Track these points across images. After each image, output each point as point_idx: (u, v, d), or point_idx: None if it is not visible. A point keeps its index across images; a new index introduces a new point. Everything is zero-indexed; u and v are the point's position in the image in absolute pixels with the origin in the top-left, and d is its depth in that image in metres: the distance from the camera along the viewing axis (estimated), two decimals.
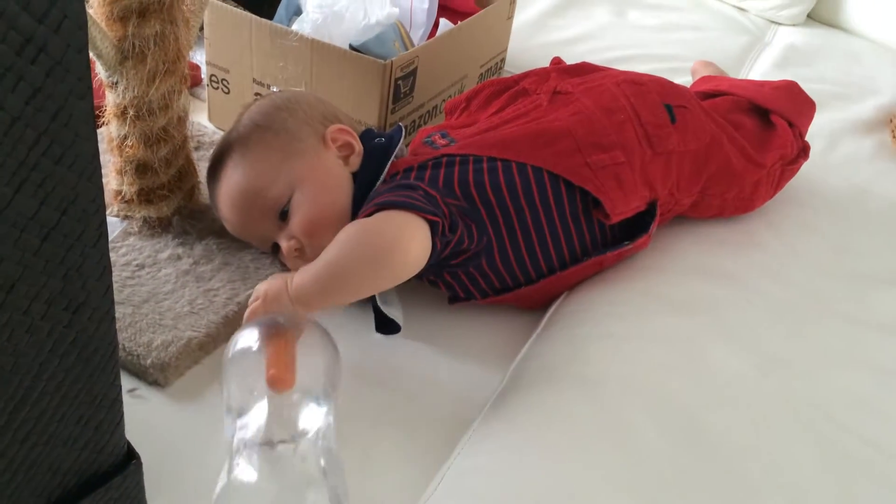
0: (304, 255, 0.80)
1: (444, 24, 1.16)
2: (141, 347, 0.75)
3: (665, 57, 1.46)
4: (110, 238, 0.75)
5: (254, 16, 1.01)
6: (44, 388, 0.47)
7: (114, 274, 0.76)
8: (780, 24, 1.75)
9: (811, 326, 0.86)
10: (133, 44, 0.77)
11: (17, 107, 0.37)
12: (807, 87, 1.11)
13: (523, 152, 0.83)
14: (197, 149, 1.01)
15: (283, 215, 0.80)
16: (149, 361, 0.75)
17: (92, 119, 0.41)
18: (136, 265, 0.85)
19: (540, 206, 0.82)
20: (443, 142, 0.90)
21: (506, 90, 0.98)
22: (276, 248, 0.83)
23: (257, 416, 0.61)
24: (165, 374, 0.75)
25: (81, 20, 0.38)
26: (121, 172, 0.87)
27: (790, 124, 1.04)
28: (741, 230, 1.00)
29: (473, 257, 0.81)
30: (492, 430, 0.71)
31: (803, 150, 1.05)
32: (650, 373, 0.75)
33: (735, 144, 0.96)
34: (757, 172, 0.98)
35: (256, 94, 1.05)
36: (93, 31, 0.74)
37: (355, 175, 0.83)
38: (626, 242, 0.87)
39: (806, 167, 1.07)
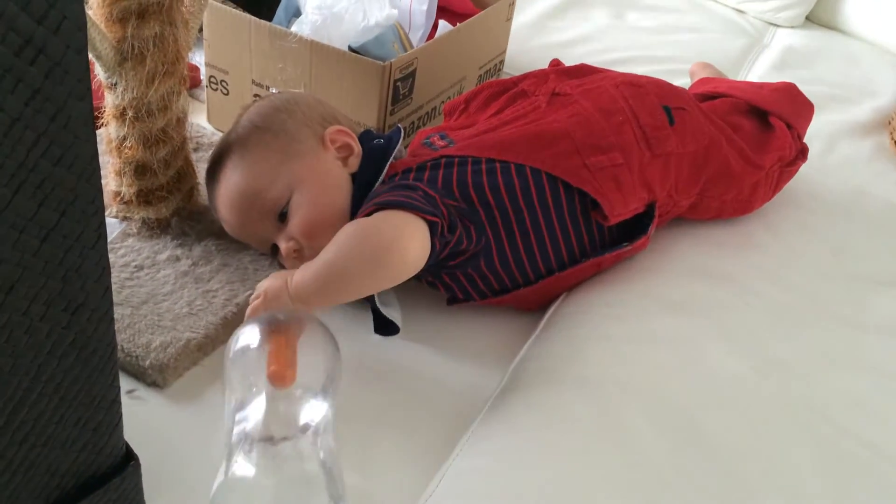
0: (303, 256, 0.80)
1: (443, 25, 1.16)
2: (140, 349, 0.75)
3: (663, 59, 1.46)
4: (109, 239, 0.75)
5: (253, 17, 1.01)
6: (42, 389, 0.47)
7: (112, 275, 0.76)
8: (778, 25, 1.75)
9: (809, 328, 0.87)
10: (132, 45, 0.77)
11: (16, 108, 0.37)
12: (805, 89, 1.11)
13: (522, 154, 0.83)
14: (196, 150, 1.01)
15: (282, 216, 0.80)
16: (147, 363, 0.75)
17: (91, 120, 0.41)
18: (135, 266, 0.85)
19: (538, 208, 0.82)
20: (442, 143, 0.90)
21: (505, 92, 0.98)
22: (275, 250, 0.83)
23: (257, 413, 0.61)
24: (164, 376, 0.75)
25: (81, 21, 0.38)
26: (120, 174, 0.87)
27: (789, 126, 1.04)
28: (740, 232, 1.00)
29: (472, 258, 0.81)
30: (491, 430, 0.71)
31: (802, 152, 1.06)
32: (649, 374, 0.76)
33: (734, 146, 0.96)
34: (755, 174, 0.98)
35: (255, 95, 1.05)
36: (92, 33, 0.74)
37: (354, 176, 0.83)
38: (625, 244, 0.87)
39: (804, 169, 1.07)
